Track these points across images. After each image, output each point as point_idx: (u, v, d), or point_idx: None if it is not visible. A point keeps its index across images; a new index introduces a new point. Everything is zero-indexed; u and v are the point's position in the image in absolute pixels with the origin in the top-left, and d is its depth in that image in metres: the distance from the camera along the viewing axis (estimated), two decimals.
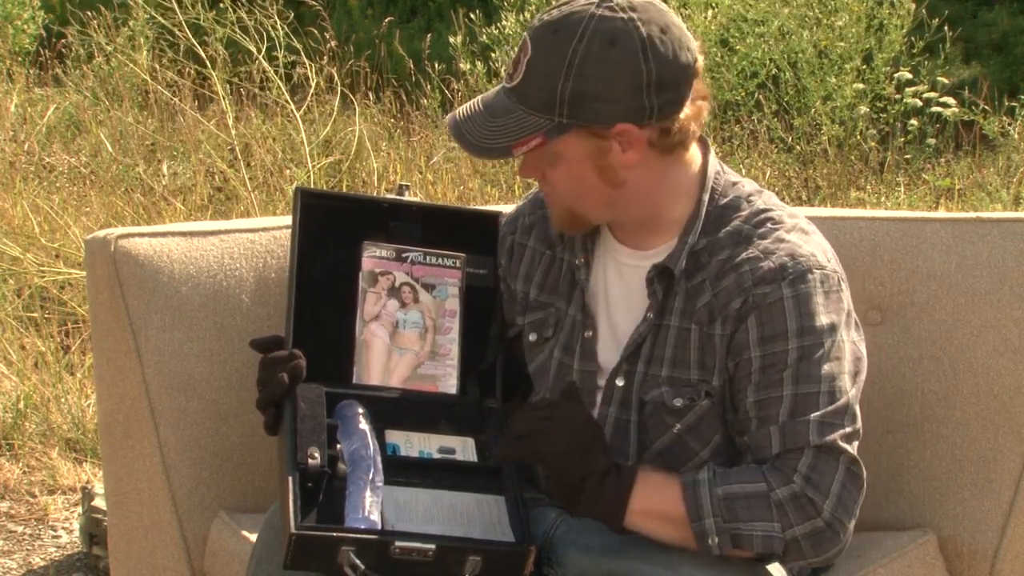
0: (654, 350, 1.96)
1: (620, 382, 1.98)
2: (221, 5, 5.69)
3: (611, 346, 2.01)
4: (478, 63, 6.43)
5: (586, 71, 1.85)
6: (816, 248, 1.94)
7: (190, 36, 5.52)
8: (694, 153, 1.99)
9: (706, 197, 1.97)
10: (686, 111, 1.90)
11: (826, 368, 1.87)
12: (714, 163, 2.01)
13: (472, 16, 6.65)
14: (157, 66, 6.27)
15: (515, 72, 1.90)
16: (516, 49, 1.93)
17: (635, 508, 1.87)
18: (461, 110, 1.94)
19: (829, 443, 1.84)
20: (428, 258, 2.12)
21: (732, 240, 1.95)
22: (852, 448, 1.86)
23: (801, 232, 1.96)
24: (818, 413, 1.85)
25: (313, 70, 5.73)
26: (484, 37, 6.51)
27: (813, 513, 1.83)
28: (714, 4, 6.25)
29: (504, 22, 6.48)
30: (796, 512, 1.83)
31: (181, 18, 5.52)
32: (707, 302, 1.93)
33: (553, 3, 1.95)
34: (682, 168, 1.97)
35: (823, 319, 1.89)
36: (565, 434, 1.88)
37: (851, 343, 1.91)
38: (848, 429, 1.86)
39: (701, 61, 1.92)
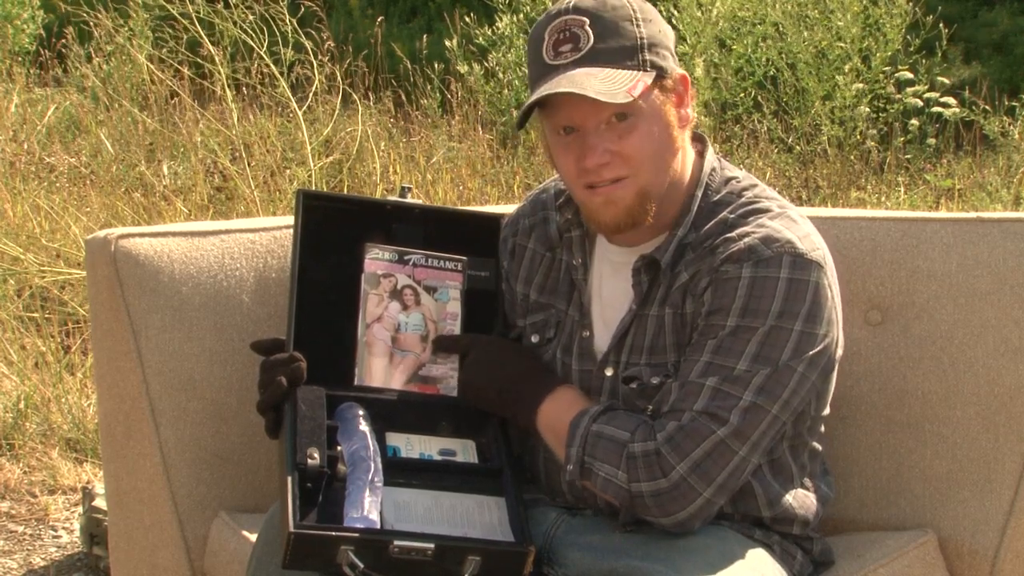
0: (635, 339, 1.99)
1: (608, 372, 2.01)
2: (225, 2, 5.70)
3: (606, 343, 2.02)
4: (475, 65, 6.43)
5: (649, 18, 1.94)
6: (797, 235, 1.94)
7: (199, 29, 5.51)
8: (690, 149, 2.01)
9: (699, 193, 1.99)
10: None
11: (752, 348, 1.88)
12: (711, 160, 2.02)
13: (468, 19, 6.65)
14: (157, 64, 6.26)
15: (579, 43, 1.90)
16: (557, 32, 1.91)
17: (540, 422, 1.99)
18: (549, 85, 1.88)
19: (712, 411, 1.87)
20: (430, 260, 2.13)
21: (717, 230, 1.96)
22: (743, 421, 1.87)
23: (788, 219, 1.96)
24: (716, 379, 1.88)
25: (316, 69, 5.73)
26: (480, 39, 6.52)
27: (659, 473, 1.87)
28: (708, 5, 6.24)
29: (499, 24, 6.48)
30: (644, 469, 1.87)
31: (190, 10, 5.52)
32: (682, 284, 1.96)
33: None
34: (686, 153, 2.00)
35: (775, 304, 1.89)
36: (484, 378, 2.05)
37: (801, 333, 1.90)
38: (746, 403, 1.87)
39: None
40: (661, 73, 1.92)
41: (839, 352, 2.01)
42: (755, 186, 2.02)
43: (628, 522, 1.96)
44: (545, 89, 1.88)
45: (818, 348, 1.93)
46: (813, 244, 1.95)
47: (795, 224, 1.96)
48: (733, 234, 1.94)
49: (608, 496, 1.93)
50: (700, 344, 1.91)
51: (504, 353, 2.08)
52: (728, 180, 2.02)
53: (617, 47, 1.90)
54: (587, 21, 1.91)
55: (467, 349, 2.08)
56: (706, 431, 1.87)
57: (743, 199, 1.99)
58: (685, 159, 2.00)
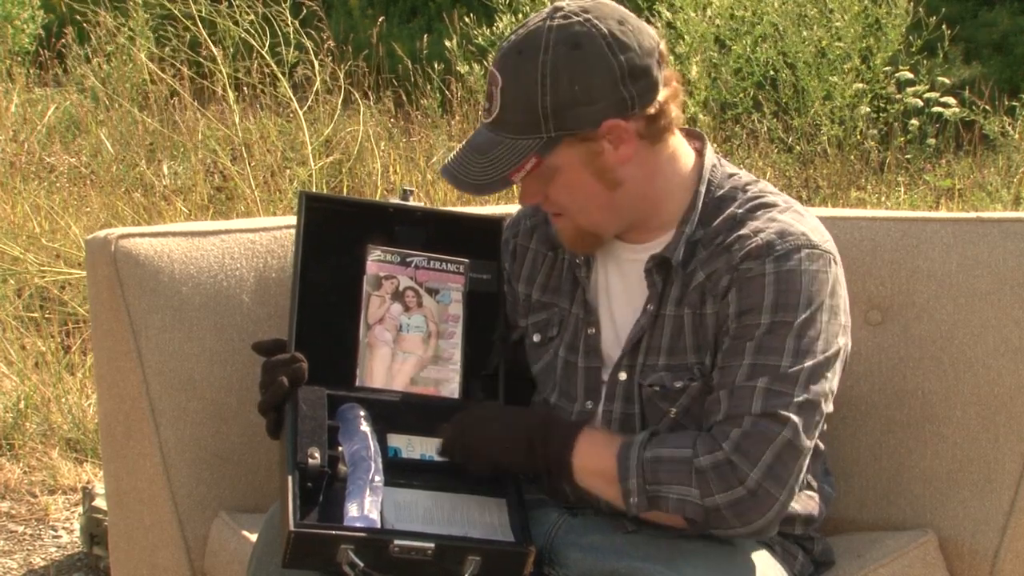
0: (651, 340, 1.98)
1: (623, 376, 2.00)
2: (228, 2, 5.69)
3: (614, 341, 2.02)
4: (475, 65, 6.42)
5: (559, 80, 1.87)
6: (809, 228, 1.95)
7: (201, 28, 5.51)
8: (687, 148, 2.01)
9: (703, 189, 1.99)
10: (663, 93, 1.93)
11: (791, 343, 1.88)
12: (711, 157, 2.02)
13: (468, 19, 6.65)
14: (157, 64, 6.26)
15: (491, 106, 1.92)
16: (487, 84, 1.95)
17: (578, 465, 1.92)
18: (451, 157, 1.95)
19: (771, 411, 1.86)
20: (432, 263, 2.13)
21: (727, 226, 1.96)
22: (801, 418, 1.86)
23: (795, 213, 1.97)
24: (766, 380, 1.87)
25: (317, 69, 5.73)
26: (480, 39, 6.51)
27: (735, 482, 1.84)
28: (706, 5, 6.24)
29: (499, 23, 6.48)
30: (717, 480, 1.85)
31: (192, 9, 5.52)
32: (699, 284, 1.95)
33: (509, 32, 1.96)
34: (675, 160, 1.99)
35: (802, 297, 1.89)
36: (489, 438, 1.96)
37: (828, 324, 1.91)
38: (800, 398, 1.87)
39: (663, 46, 1.95)
40: (575, 132, 1.89)
41: (849, 345, 2.02)
42: (757, 181, 2.02)
43: (695, 533, 1.92)
44: (445, 163, 1.95)
45: (843, 339, 1.94)
46: (824, 236, 1.96)
47: (803, 218, 1.97)
48: (746, 230, 1.94)
49: (679, 518, 1.89)
50: (738, 347, 1.90)
51: (505, 412, 2.04)
52: (730, 176, 2.02)
53: (521, 121, 1.89)
54: (500, 82, 1.90)
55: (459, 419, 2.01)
56: (772, 434, 1.85)
57: (748, 194, 1.99)
58: (682, 157, 2.00)
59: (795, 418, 1.86)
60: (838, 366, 1.94)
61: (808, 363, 1.88)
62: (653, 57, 1.91)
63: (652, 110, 1.92)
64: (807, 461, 1.90)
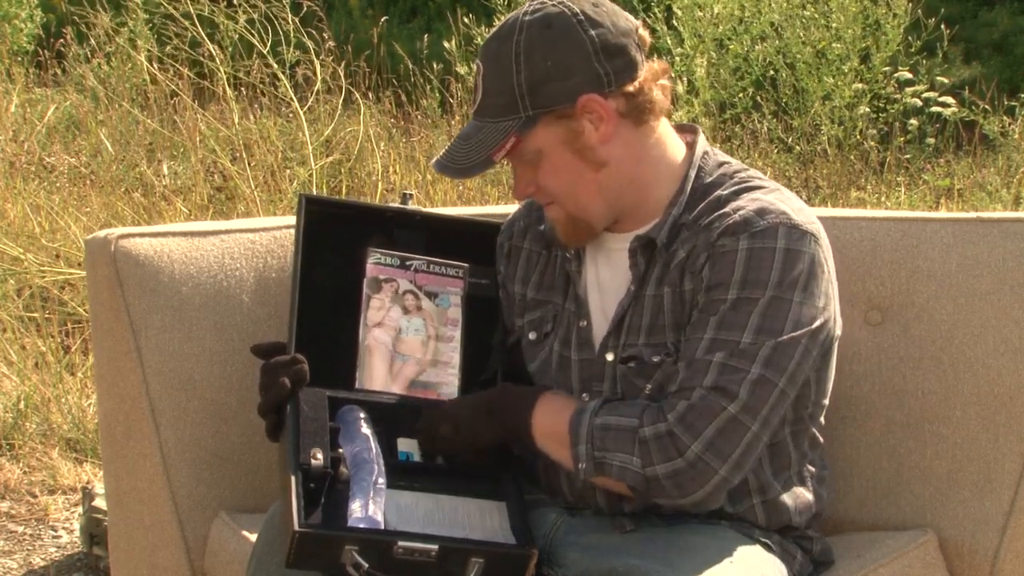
0: (632, 320, 1.99)
1: (609, 357, 2.01)
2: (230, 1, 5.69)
3: (605, 329, 2.03)
4: (474, 65, 6.42)
5: (532, 57, 1.91)
6: (791, 208, 1.94)
7: (199, 28, 5.51)
8: (676, 139, 2.02)
9: (692, 174, 2.00)
10: (643, 73, 1.94)
11: (755, 320, 1.88)
12: (703, 145, 2.03)
13: (467, 19, 6.66)
14: (157, 64, 6.26)
15: (476, 95, 1.97)
16: (475, 74, 2.00)
17: (537, 428, 1.97)
18: (441, 151, 1.99)
19: (721, 386, 1.87)
20: (431, 267, 2.14)
21: (710, 207, 1.97)
22: (752, 395, 1.87)
23: (781, 194, 1.97)
24: (723, 355, 1.88)
25: (318, 69, 5.73)
26: (480, 39, 6.51)
27: (675, 453, 1.86)
28: (709, 5, 6.24)
29: (497, 24, 6.47)
30: (658, 451, 1.87)
31: (191, 9, 5.52)
32: (679, 262, 1.96)
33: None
34: (662, 146, 2.00)
35: (772, 275, 1.90)
36: (453, 423, 2.00)
37: (801, 304, 1.90)
38: (754, 375, 1.87)
39: (643, 32, 1.97)
40: (552, 108, 1.92)
41: (837, 332, 2.01)
42: (747, 169, 2.04)
43: (636, 510, 1.96)
44: (437, 155, 1.99)
45: (819, 321, 1.93)
46: (808, 217, 1.96)
47: (788, 199, 1.97)
48: (727, 209, 1.95)
49: (623, 484, 1.91)
50: (702, 321, 1.91)
51: (462, 397, 2.09)
52: (720, 164, 2.03)
53: (499, 103, 1.93)
54: (482, 70, 1.95)
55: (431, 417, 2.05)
56: (717, 408, 1.86)
57: (735, 179, 2.00)
58: (670, 143, 2.00)
59: (744, 394, 1.87)
60: (814, 348, 1.93)
61: (770, 341, 1.88)
62: (630, 38, 1.94)
63: (631, 88, 1.93)
64: (762, 440, 1.91)
